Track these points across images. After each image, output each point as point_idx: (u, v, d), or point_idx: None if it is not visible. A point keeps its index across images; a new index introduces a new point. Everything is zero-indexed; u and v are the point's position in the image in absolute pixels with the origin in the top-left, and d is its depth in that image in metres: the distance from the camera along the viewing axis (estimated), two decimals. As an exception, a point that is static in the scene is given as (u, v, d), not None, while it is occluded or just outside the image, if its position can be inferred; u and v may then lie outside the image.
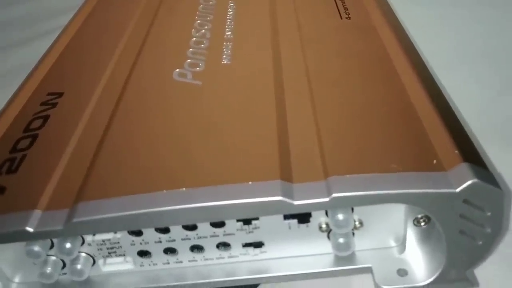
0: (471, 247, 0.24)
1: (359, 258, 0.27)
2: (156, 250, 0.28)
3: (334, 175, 0.24)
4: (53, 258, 0.27)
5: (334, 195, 0.23)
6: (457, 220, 0.24)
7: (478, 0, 0.52)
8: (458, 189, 0.23)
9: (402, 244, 0.27)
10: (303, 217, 0.26)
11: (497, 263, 0.28)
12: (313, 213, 0.26)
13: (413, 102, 0.28)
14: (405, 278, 0.26)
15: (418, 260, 0.27)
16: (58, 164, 0.28)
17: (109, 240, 0.27)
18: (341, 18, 0.38)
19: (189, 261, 0.28)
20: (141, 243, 0.27)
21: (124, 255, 0.28)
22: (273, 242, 0.27)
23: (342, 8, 0.39)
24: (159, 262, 0.28)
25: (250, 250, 0.28)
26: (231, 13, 0.41)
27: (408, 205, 0.26)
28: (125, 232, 0.27)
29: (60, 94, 0.34)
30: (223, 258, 0.28)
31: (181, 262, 0.28)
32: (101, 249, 0.27)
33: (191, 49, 0.36)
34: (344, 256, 0.27)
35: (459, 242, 0.24)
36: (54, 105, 0.33)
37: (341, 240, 0.26)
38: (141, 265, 0.28)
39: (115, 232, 0.27)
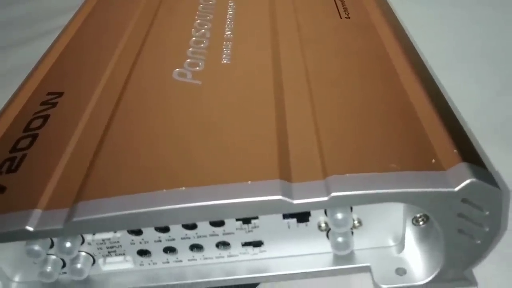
0: (470, 246, 0.24)
1: (358, 257, 0.27)
2: (156, 249, 0.28)
3: (333, 174, 0.24)
4: (53, 257, 0.27)
5: (333, 194, 0.23)
6: (455, 219, 0.24)
7: (477, 0, 0.52)
8: (456, 188, 0.23)
9: (400, 243, 0.27)
10: (302, 216, 0.26)
11: (496, 262, 0.28)
12: (312, 212, 0.26)
13: (412, 101, 0.28)
14: (403, 277, 0.26)
15: (416, 259, 0.27)
16: (58, 163, 0.28)
17: (109, 239, 0.27)
18: (341, 18, 0.38)
19: (189, 260, 0.28)
20: (140, 242, 0.27)
21: (124, 254, 0.28)
22: (273, 241, 0.27)
23: (342, 8, 0.39)
24: (158, 261, 0.28)
25: (250, 249, 0.28)
26: (231, 12, 0.41)
27: (407, 204, 0.26)
28: (125, 232, 0.27)
29: (60, 94, 0.34)
30: (222, 257, 0.28)
31: (180, 261, 0.28)
32: (101, 248, 0.28)
33: (191, 49, 0.36)
34: (343, 255, 0.27)
35: (458, 241, 0.24)
36: (54, 104, 0.33)
37: (340, 239, 0.26)
38: (141, 264, 0.28)
39: (115, 232, 0.27)
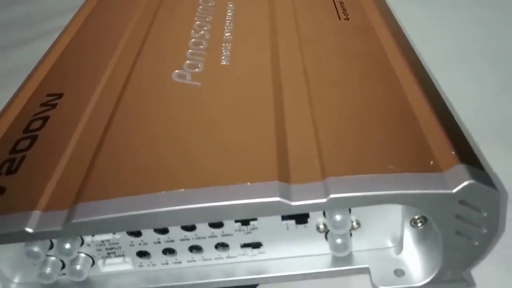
0: (468, 248, 0.24)
1: (357, 259, 0.27)
2: (155, 251, 0.28)
3: (331, 176, 0.24)
4: (53, 258, 0.27)
5: (332, 196, 0.23)
6: (453, 220, 0.24)
7: (476, 1, 0.52)
8: (454, 190, 0.23)
9: (399, 245, 0.27)
10: (301, 218, 0.26)
11: (494, 264, 0.28)
12: (311, 214, 0.26)
13: (410, 103, 0.28)
14: (402, 278, 0.26)
15: (415, 261, 0.27)
16: (58, 165, 0.28)
17: (108, 240, 0.27)
18: (340, 19, 0.38)
19: (188, 261, 0.28)
20: (140, 244, 0.27)
21: (123, 255, 0.28)
22: (271, 242, 0.28)
23: (341, 9, 0.39)
24: (158, 262, 0.28)
25: (249, 250, 0.28)
26: (230, 14, 0.41)
27: (405, 206, 0.26)
28: (124, 233, 0.27)
29: (59, 95, 0.34)
30: (221, 258, 0.28)
31: (180, 262, 0.28)
32: (100, 250, 0.28)
33: (190, 50, 0.36)
34: (342, 256, 0.27)
35: (456, 243, 0.24)
36: (53, 106, 0.33)
37: (338, 240, 0.27)
38: (140, 266, 0.28)
39: (114, 233, 0.27)
